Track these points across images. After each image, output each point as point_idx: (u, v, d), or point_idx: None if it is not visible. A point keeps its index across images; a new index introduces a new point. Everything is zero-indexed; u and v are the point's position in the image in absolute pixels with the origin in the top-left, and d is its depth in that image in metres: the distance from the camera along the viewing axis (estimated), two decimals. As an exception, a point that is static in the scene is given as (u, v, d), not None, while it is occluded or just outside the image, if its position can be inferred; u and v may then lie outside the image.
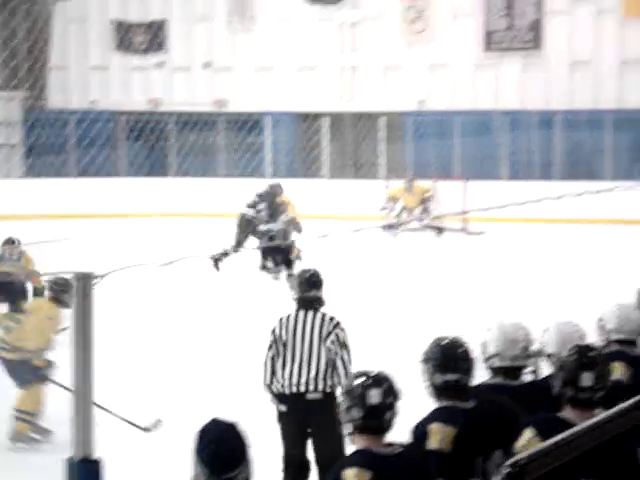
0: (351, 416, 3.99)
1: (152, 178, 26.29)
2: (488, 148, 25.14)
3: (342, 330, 6.85)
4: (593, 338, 5.45)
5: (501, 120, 25.16)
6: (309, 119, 27.17)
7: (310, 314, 6.87)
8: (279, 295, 13.18)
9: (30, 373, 8.43)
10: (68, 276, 8.22)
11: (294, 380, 6.71)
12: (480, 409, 4.48)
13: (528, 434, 4.10)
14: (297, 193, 20.84)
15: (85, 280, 3.46)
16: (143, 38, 28.87)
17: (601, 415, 2.58)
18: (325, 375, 6.73)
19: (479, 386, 4.76)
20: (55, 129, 27.54)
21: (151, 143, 27.53)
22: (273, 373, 6.78)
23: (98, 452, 3.48)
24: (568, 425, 3.86)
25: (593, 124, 24.70)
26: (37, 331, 8.50)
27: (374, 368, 4.10)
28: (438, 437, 4.32)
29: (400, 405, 4.00)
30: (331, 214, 22.13)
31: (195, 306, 13.82)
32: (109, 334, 11.71)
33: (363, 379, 4.01)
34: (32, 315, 8.65)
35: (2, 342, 8.54)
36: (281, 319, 6.90)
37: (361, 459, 3.90)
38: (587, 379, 4.15)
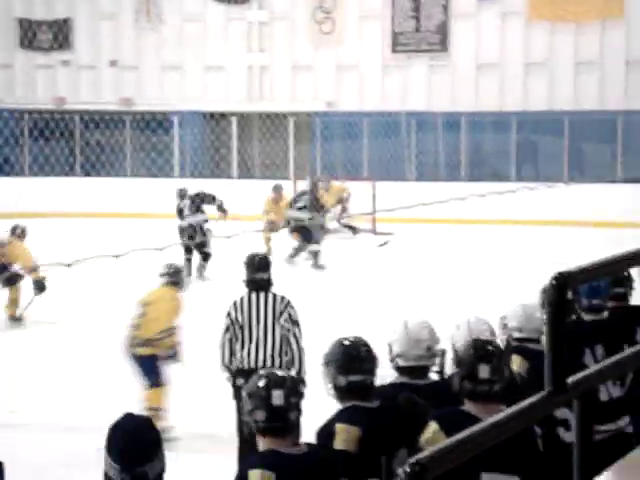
0: (254, 418, 3.94)
1: (57, 178, 25.90)
2: (395, 149, 25.30)
3: (293, 308, 7.33)
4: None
5: (408, 121, 25.34)
6: (217, 119, 27.05)
7: (262, 295, 7.30)
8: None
9: (158, 367, 8.42)
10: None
11: (252, 357, 7.16)
12: (384, 408, 4.49)
13: (432, 428, 4.15)
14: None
15: None
16: (48, 36, 28.46)
17: (506, 411, 2.60)
18: (280, 351, 7.17)
19: (384, 386, 4.77)
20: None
21: (57, 142, 27.11)
22: (231, 354, 7.20)
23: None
24: (471, 418, 4.03)
25: (498, 126, 25.04)
26: (165, 318, 8.51)
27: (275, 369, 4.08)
28: (343, 437, 4.31)
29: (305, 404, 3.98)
30: (239, 214, 22.03)
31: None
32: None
33: (264, 380, 3.97)
34: (156, 304, 8.56)
35: (134, 339, 8.42)
36: (235, 302, 7.29)
37: (266, 460, 3.86)
38: (484, 372, 4.20)
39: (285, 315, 7.25)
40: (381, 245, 18.03)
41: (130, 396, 8.52)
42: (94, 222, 22.72)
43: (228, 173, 26.15)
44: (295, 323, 7.27)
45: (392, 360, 5.00)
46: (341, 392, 4.50)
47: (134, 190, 24.52)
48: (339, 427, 4.31)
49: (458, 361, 4.31)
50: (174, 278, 8.74)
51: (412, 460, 2.20)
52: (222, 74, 27.36)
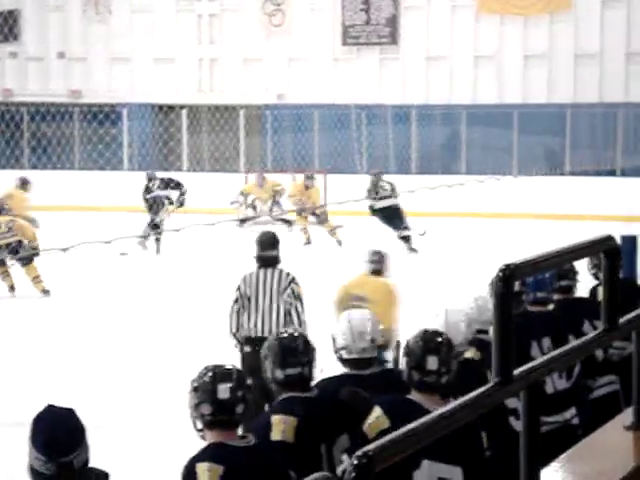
0: (200, 412, 3.94)
1: (4, 170, 25.62)
2: (346, 142, 25.34)
3: (297, 284, 7.80)
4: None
5: (358, 114, 25.39)
6: (167, 111, 26.92)
7: (269, 271, 7.81)
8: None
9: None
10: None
11: (258, 327, 7.66)
12: (321, 397, 4.53)
13: (375, 413, 4.18)
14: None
15: None
16: (-5, 27, 28.15)
17: (454, 402, 2.61)
18: (285, 323, 7.57)
19: (327, 378, 4.79)
20: None
21: (4, 134, 26.82)
22: (239, 323, 7.71)
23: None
24: (415, 405, 4.12)
25: (448, 118, 25.15)
26: (392, 312, 7.98)
27: (223, 362, 4.06)
28: (280, 428, 4.33)
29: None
30: (189, 208, 21.95)
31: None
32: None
33: (210, 374, 3.95)
34: (379, 297, 7.95)
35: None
36: (244, 277, 7.82)
37: (213, 453, 3.85)
38: (432, 363, 4.24)
39: (288, 291, 7.72)
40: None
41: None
42: (42, 215, 22.49)
43: (178, 166, 26.03)
44: (297, 298, 7.72)
45: (336, 352, 5.02)
46: (279, 385, 4.53)
47: (82, 183, 24.32)
48: (275, 418, 4.33)
49: (407, 352, 4.34)
50: (378, 266, 8.32)
51: (359, 452, 2.20)
52: (172, 66, 27.23)
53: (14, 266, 13.98)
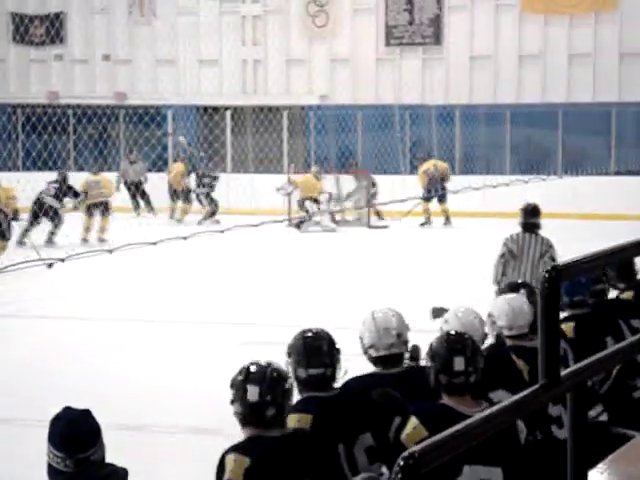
0: (234, 410, 4.00)
1: (51, 172, 25.83)
2: (389, 142, 25.29)
3: (553, 249, 9.21)
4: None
5: (402, 114, 25.34)
6: (211, 112, 27.02)
7: (532, 236, 9.26)
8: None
9: None
10: None
11: (527, 276, 8.75)
12: (341, 397, 4.49)
13: (412, 423, 4.15)
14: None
15: None
16: (41, 30, 28.40)
17: (497, 406, 2.61)
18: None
19: (353, 378, 4.76)
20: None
21: (50, 137, 27.04)
22: (503, 274, 9.03)
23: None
24: (450, 411, 4.11)
25: (491, 118, 25.04)
26: None
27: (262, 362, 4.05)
28: (294, 426, 4.29)
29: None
30: (233, 208, 22.03)
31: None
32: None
33: (243, 374, 4.00)
34: None
35: None
36: (511, 236, 9.31)
37: (244, 445, 3.91)
38: (459, 364, 4.22)
39: (548, 254, 9.10)
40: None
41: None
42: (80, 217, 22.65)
43: (222, 167, 26.11)
44: (554, 261, 8.63)
45: (365, 352, 4.99)
46: (301, 384, 4.49)
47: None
48: (291, 417, 4.27)
49: (432, 355, 4.32)
50: None
51: (405, 454, 2.20)
52: (216, 68, 27.33)
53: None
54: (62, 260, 13.90)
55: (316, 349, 4.49)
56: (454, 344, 4.29)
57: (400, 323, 4.99)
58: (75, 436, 3.54)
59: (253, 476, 3.80)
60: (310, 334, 4.57)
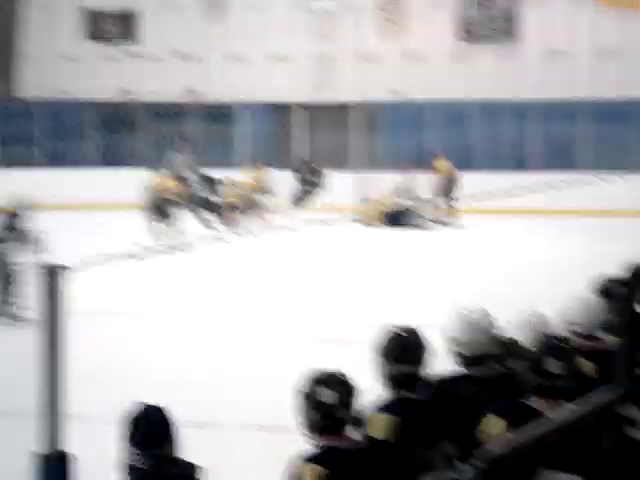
0: (306, 417, 3.96)
1: (120, 169, 25.97)
2: (462, 139, 25.04)
3: None
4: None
5: (475, 110, 25.07)
6: (282, 109, 26.95)
7: None
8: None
9: None
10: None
11: None
12: (426, 400, 4.45)
13: (492, 421, 4.14)
14: (271, 183, 20.86)
15: (54, 273, 3.55)
16: (114, 27, 28.61)
17: (572, 407, 2.43)
18: None
19: (443, 379, 4.70)
20: (25, 118, 27.24)
21: (121, 133, 27.22)
22: None
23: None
24: (533, 412, 4.03)
25: (568, 114, 24.65)
26: None
27: (331, 367, 4.03)
28: (379, 426, 4.29)
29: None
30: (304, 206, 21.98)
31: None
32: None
33: (314, 379, 3.98)
34: None
35: None
36: None
37: (320, 456, 3.86)
38: (552, 366, 4.16)
39: None
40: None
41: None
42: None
43: (293, 164, 26.03)
44: None
45: (454, 352, 4.92)
46: (390, 381, 4.47)
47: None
48: (376, 416, 4.29)
49: (525, 354, 4.27)
50: None
51: (482, 454, 2.25)
52: (287, 64, 27.29)
53: None
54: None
55: (406, 347, 4.49)
56: (549, 346, 4.24)
57: (490, 323, 4.95)
58: (150, 432, 3.64)
59: None
60: (400, 332, 4.57)
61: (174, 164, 23.25)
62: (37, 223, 13.00)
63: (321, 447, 3.91)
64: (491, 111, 25.10)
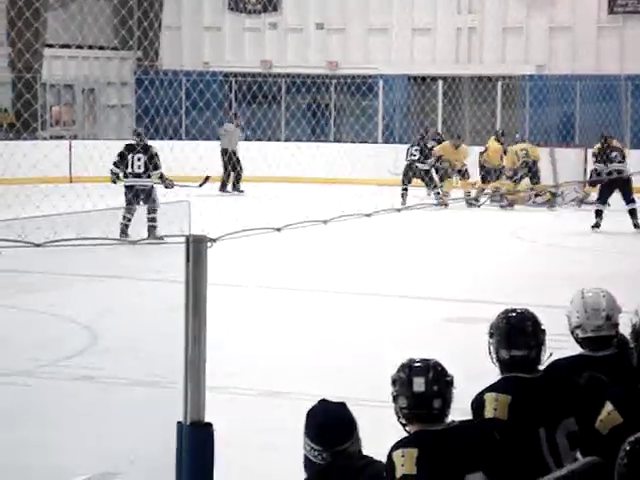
0: (399, 405, 3.89)
1: (262, 142, 25.97)
2: (610, 115, 24.33)
3: None
4: None
5: (625, 85, 24.34)
6: (422, 82, 26.62)
7: None
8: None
9: None
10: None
11: None
12: (545, 379, 4.36)
13: (607, 408, 4.03)
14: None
15: (198, 244, 3.49)
16: (256, -1, 28.65)
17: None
18: None
19: (559, 359, 4.63)
20: (167, 90, 27.46)
21: (261, 105, 27.20)
22: None
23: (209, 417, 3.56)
24: None
25: None
26: None
27: (423, 355, 3.95)
28: (492, 406, 4.21)
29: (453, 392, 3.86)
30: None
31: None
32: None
33: (407, 367, 3.92)
34: None
35: None
36: None
37: (412, 439, 3.82)
38: None
39: None
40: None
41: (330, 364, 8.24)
42: (298, 187, 22.67)
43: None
44: None
45: (572, 332, 4.83)
46: (503, 365, 4.39)
47: (336, 154, 24.27)
48: (488, 396, 4.23)
49: (637, 337, 4.14)
50: None
51: (632, 438, 2.22)
52: (429, 36, 26.98)
53: None
54: (278, 229, 13.82)
55: (520, 330, 4.38)
56: None
57: (610, 304, 4.80)
58: (332, 429, 3.64)
59: (424, 464, 3.72)
60: (514, 314, 4.46)
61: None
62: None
63: (413, 432, 3.84)
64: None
